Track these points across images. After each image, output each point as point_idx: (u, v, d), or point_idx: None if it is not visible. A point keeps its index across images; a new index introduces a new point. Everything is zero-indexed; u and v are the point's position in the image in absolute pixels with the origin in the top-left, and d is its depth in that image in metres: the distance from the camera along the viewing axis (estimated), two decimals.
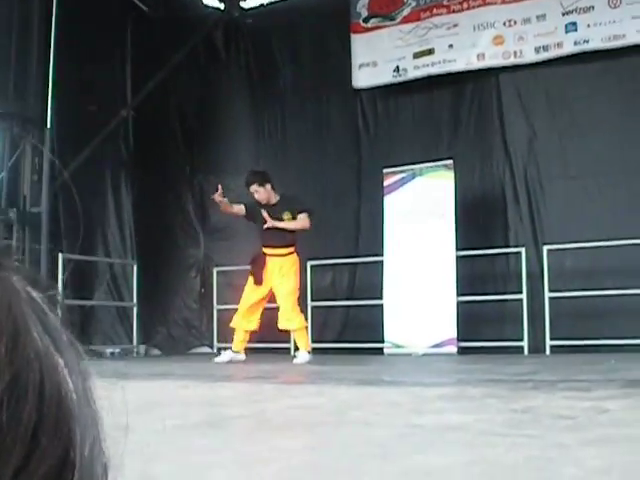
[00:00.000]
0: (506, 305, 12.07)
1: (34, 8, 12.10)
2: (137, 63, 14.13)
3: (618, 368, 7.00)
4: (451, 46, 12.98)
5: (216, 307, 14.07)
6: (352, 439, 2.68)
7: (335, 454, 2.68)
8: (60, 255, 11.68)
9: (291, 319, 9.82)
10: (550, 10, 12.23)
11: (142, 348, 13.20)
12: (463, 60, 12.88)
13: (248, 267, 13.19)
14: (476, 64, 12.79)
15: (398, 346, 11.89)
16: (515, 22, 12.55)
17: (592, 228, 11.49)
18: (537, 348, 11.39)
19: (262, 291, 10.02)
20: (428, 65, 13.13)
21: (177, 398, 4.30)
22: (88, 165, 12.95)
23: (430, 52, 13.15)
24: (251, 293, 10.04)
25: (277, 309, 10.35)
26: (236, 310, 13.78)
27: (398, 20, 13.55)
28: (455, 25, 13.01)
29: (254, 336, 10.97)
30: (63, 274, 11.61)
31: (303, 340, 9.72)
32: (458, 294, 11.58)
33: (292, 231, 9.98)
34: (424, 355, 11.42)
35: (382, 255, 12.31)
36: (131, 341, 12.99)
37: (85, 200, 13.20)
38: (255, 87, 15.12)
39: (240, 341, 10.07)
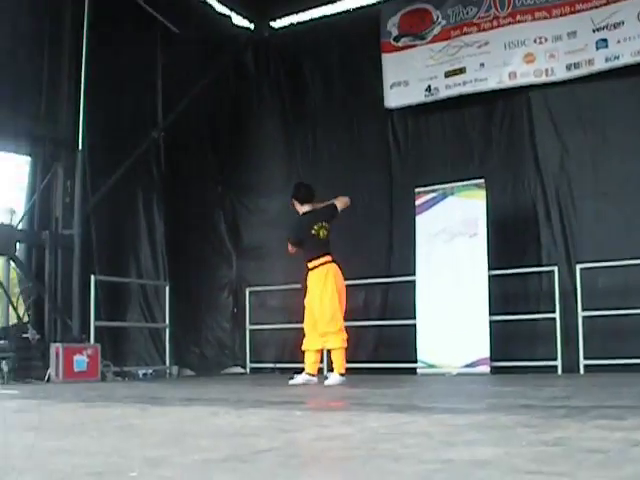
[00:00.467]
0: (539, 324, 11.99)
1: (65, 30, 12.22)
2: (168, 84, 14.15)
3: None
4: (482, 65, 12.96)
5: (249, 327, 14.07)
6: (380, 476, 2.66)
7: None
8: (92, 277, 11.71)
9: (327, 339, 9.65)
10: (581, 27, 12.18)
11: (175, 369, 13.18)
12: (495, 79, 12.85)
13: (280, 287, 13.25)
14: (508, 83, 12.76)
15: (431, 366, 11.85)
16: (546, 39, 12.52)
17: (625, 246, 11.41)
18: (571, 368, 11.30)
19: (314, 307, 9.78)
20: (460, 84, 13.12)
21: (207, 427, 4.29)
22: (120, 187, 12.98)
23: (461, 71, 13.14)
24: (308, 310, 9.86)
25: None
26: (268, 330, 13.87)
27: (429, 39, 13.55)
28: (486, 43, 12.98)
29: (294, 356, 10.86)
30: (96, 296, 11.63)
31: (339, 361, 9.58)
32: (491, 313, 11.52)
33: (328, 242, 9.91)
34: (457, 375, 11.36)
35: (414, 274, 12.26)
36: (164, 362, 12.98)
37: (117, 222, 13.29)
38: (286, 107, 15.16)
39: (312, 362, 9.83)
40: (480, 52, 13.02)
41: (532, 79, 12.61)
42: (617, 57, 11.87)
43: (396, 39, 13.85)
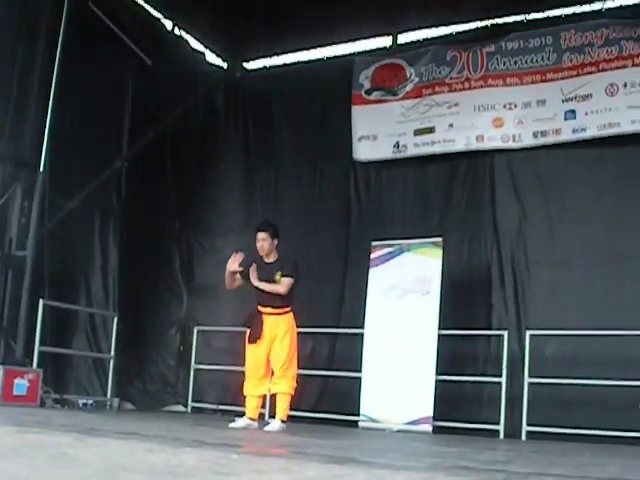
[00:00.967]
0: (485, 387, 11.99)
1: (38, 52, 12.16)
2: (135, 114, 14.12)
3: (592, 463, 6.91)
4: (451, 125, 13.08)
5: (194, 366, 13.93)
6: None
7: None
8: (41, 301, 11.55)
9: (278, 382, 9.52)
10: (550, 96, 12.37)
11: (116, 401, 13.01)
12: (462, 141, 12.97)
13: (229, 328, 13.10)
14: (475, 145, 12.88)
15: (373, 420, 11.78)
16: (515, 105, 12.67)
17: (576, 316, 11.49)
18: (513, 433, 11.28)
19: (262, 351, 9.56)
20: (428, 144, 13.22)
21: (141, 463, 4.20)
22: (78, 212, 12.89)
23: (431, 130, 13.25)
24: (252, 355, 9.63)
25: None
26: (213, 371, 13.73)
27: (401, 95, 13.67)
28: (456, 104, 13.11)
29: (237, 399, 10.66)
30: (43, 320, 11.48)
31: (282, 407, 9.46)
32: (437, 373, 11.49)
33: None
34: (399, 431, 11.31)
35: (363, 327, 12.22)
36: (105, 393, 12.82)
37: (72, 247, 13.15)
38: (250, 149, 15.20)
39: (253, 407, 9.64)
40: (450, 112, 13.13)
41: (499, 144, 12.74)
42: (584, 129, 12.03)
43: (368, 92, 13.94)
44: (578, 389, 11.04)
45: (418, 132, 13.39)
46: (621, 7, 12.48)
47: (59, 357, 12.66)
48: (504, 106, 12.79)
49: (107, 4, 12.98)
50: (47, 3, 12.26)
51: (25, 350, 11.42)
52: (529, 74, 12.63)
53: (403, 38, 14.36)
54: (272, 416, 10.19)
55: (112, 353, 12.83)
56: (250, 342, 9.51)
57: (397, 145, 13.50)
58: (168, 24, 15.01)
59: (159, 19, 14.81)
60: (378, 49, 14.51)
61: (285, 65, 15.41)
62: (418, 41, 14.09)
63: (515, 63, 12.75)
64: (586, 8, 12.68)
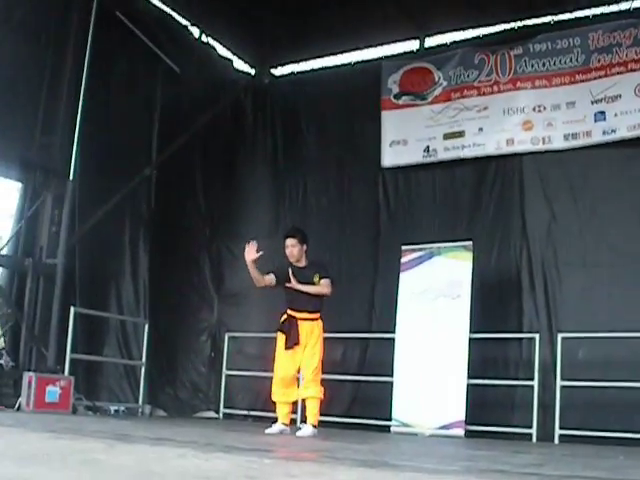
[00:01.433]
0: (517, 391, 11.92)
1: (66, 62, 12.22)
2: (164, 121, 14.18)
3: (626, 465, 6.86)
4: (481, 129, 13.04)
5: (225, 372, 13.93)
6: None
7: None
8: (72, 308, 11.60)
9: (309, 387, 9.48)
10: (579, 98, 12.29)
11: (147, 408, 13.05)
12: (492, 144, 12.92)
13: (260, 334, 13.09)
14: (505, 149, 12.81)
15: (405, 425, 11.75)
16: (545, 108, 12.60)
17: (607, 318, 11.39)
18: (546, 436, 11.20)
19: (297, 357, 9.48)
20: (458, 148, 13.19)
21: (173, 468, 4.21)
22: (108, 220, 12.94)
23: (460, 134, 13.21)
24: (285, 360, 9.54)
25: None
26: (244, 377, 13.72)
27: (429, 99, 13.64)
28: (485, 108, 13.07)
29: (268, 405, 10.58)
30: (74, 328, 11.53)
31: (313, 412, 9.43)
32: (469, 377, 11.44)
33: (319, 296, 9.65)
34: (431, 436, 11.27)
35: (395, 332, 12.19)
36: (137, 400, 12.86)
37: (102, 255, 13.21)
38: (278, 155, 15.20)
39: (285, 414, 9.59)
40: (479, 116, 13.10)
41: (529, 147, 12.68)
42: (614, 130, 11.95)
43: (397, 97, 13.92)
44: (611, 392, 10.94)
45: (448, 136, 13.36)
46: None
47: (90, 364, 12.72)
48: (533, 109, 12.74)
49: (135, 13, 13.05)
50: (75, 13, 12.32)
51: (57, 357, 11.48)
52: (558, 76, 12.57)
53: (430, 41, 14.34)
54: (303, 421, 10.16)
55: (143, 360, 12.87)
56: (287, 348, 9.44)
57: (427, 149, 13.48)
58: (195, 31, 15.06)
59: (186, 27, 14.86)
60: (405, 53, 14.48)
61: (313, 70, 15.43)
62: (445, 44, 14.05)
63: (543, 65, 12.69)
64: (614, 8, 12.59)
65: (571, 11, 12.94)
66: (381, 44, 14.68)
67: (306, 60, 15.50)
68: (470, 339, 11.58)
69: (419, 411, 11.67)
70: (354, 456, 6.16)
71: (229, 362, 14.00)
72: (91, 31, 12.11)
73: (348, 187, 14.34)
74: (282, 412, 9.56)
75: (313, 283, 9.46)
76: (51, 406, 10.59)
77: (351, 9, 13.67)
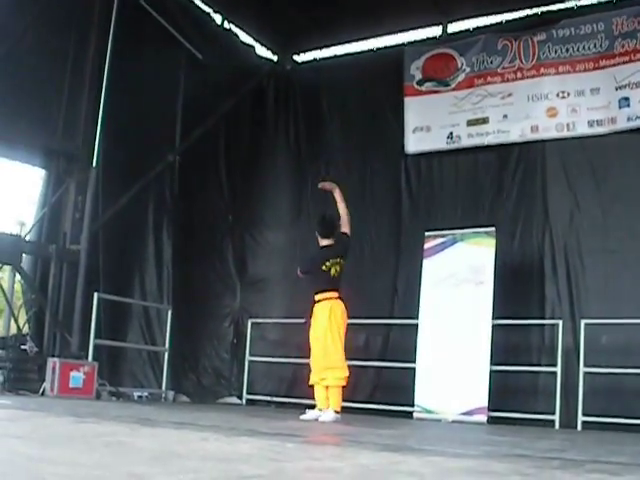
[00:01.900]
0: (539, 377, 11.91)
1: (89, 49, 12.28)
2: (187, 108, 14.20)
3: None
4: (505, 116, 12.99)
5: (248, 358, 13.97)
6: None
7: None
8: (95, 294, 11.66)
9: (327, 375, 9.46)
10: (604, 84, 12.19)
11: (170, 394, 13.10)
12: (517, 131, 12.88)
13: (282, 320, 13.14)
14: (529, 136, 12.76)
15: (428, 411, 11.75)
16: (568, 94, 12.52)
17: (630, 304, 11.34)
18: (568, 423, 11.19)
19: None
20: (482, 134, 13.14)
21: (196, 451, 4.23)
22: (131, 207, 12.99)
23: (484, 121, 13.16)
24: (313, 344, 9.64)
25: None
26: (267, 363, 13.76)
27: (453, 86, 13.58)
28: (509, 95, 13.01)
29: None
30: (98, 314, 11.59)
31: (334, 398, 9.45)
32: (492, 363, 11.42)
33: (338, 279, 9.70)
34: (453, 422, 11.28)
35: (417, 318, 12.18)
36: (160, 386, 12.91)
37: (126, 241, 13.27)
38: (301, 141, 15.19)
39: (324, 398, 9.64)
40: (503, 103, 13.04)
41: (554, 133, 12.61)
42: (638, 117, 11.86)
43: (419, 83, 13.87)
44: (634, 378, 10.92)
45: (472, 123, 13.32)
46: None
47: (114, 350, 12.78)
48: (557, 95, 12.67)
49: (157, 0, 13.04)
50: (97, 1, 12.36)
51: (80, 343, 11.55)
52: (581, 62, 12.49)
53: (453, 27, 14.27)
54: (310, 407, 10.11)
55: (166, 346, 12.91)
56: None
57: (450, 136, 13.44)
58: (218, 18, 15.06)
59: (208, 13, 14.87)
60: (428, 39, 14.42)
61: (335, 57, 15.40)
62: (468, 30, 13.99)
63: (567, 51, 12.62)
64: None
65: None
66: (404, 30, 14.62)
67: (328, 46, 15.47)
68: (493, 325, 11.56)
69: (442, 397, 11.66)
70: (377, 440, 6.18)
71: (252, 348, 14.03)
72: (114, 19, 12.16)
73: (370, 174, 14.32)
74: (321, 396, 9.54)
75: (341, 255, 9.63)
76: (75, 391, 10.65)
77: None
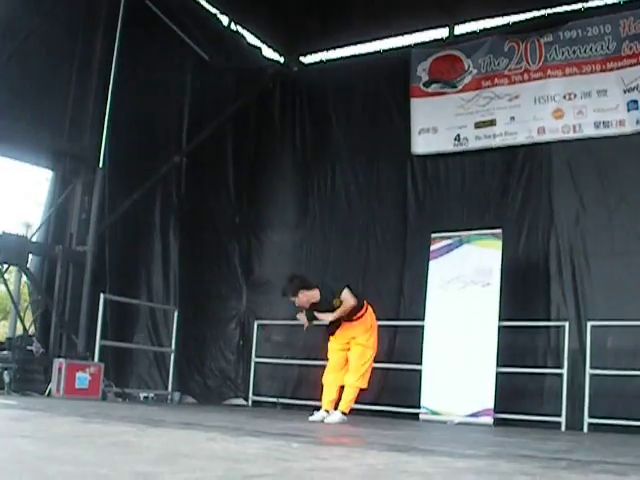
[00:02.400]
0: (546, 379, 11.89)
1: (95, 51, 12.30)
2: (194, 109, 14.23)
3: None
4: (513, 118, 12.97)
5: (254, 360, 13.95)
6: None
7: None
8: (102, 295, 11.66)
9: (350, 375, 9.53)
10: (611, 86, 12.16)
11: (177, 395, 13.10)
12: (524, 133, 12.86)
13: (288, 322, 13.14)
14: (537, 138, 12.74)
15: (434, 413, 11.73)
16: (575, 95, 12.49)
17: (636, 306, 11.31)
18: (574, 425, 11.15)
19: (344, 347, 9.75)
20: (490, 137, 13.12)
21: (202, 450, 4.23)
22: (138, 208, 13.02)
23: (492, 123, 13.14)
24: (331, 348, 9.70)
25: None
26: (272, 364, 13.76)
27: (459, 87, 13.57)
28: (516, 96, 12.99)
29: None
30: (104, 315, 11.59)
31: (346, 399, 9.46)
32: (498, 365, 11.40)
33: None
34: (459, 424, 11.26)
35: (423, 320, 12.16)
36: (166, 387, 12.92)
37: (132, 242, 13.28)
38: (307, 142, 15.17)
39: (327, 401, 9.67)
40: (511, 105, 13.03)
41: (560, 135, 12.59)
42: None
43: (426, 85, 13.86)
44: None
45: (479, 125, 13.30)
46: None
47: (120, 351, 12.79)
48: (564, 97, 12.64)
49: (164, 1, 13.06)
50: (104, 1, 12.38)
51: (87, 344, 11.56)
52: (588, 64, 12.46)
53: (459, 29, 14.26)
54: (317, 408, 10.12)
55: (173, 347, 12.91)
56: (329, 334, 9.70)
57: (458, 138, 13.42)
58: (224, 19, 15.06)
59: (215, 15, 14.87)
60: (435, 41, 14.41)
61: (341, 58, 15.39)
62: (475, 32, 13.97)
63: (574, 53, 12.59)
64: None
65: None
66: (410, 32, 14.60)
67: (335, 48, 15.46)
68: (499, 327, 11.54)
69: (448, 399, 11.64)
70: (383, 441, 6.18)
71: (258, 350, 14.02)
72: (120, 20, 12.17)
73: (376, 175, 14.30)
74: (326, 398, 9.57)
75: (335, 307, 9.43)
76: (81, 392, 10.66)
77: None
